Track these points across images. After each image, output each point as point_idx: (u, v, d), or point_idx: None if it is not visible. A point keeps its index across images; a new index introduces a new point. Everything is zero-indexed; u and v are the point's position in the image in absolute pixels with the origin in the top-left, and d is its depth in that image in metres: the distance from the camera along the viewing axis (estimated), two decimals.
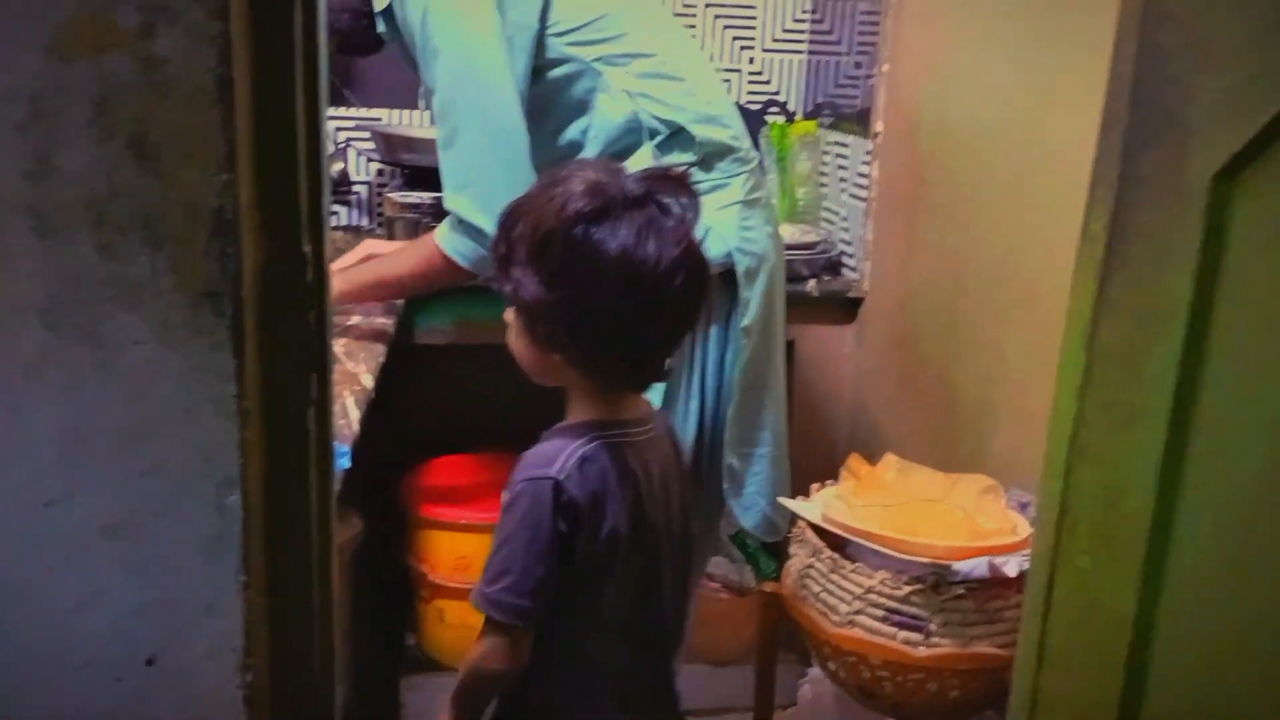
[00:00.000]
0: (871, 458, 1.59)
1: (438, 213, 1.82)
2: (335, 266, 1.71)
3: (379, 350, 1.61)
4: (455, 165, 1.59)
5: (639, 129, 1.61)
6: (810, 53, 2.49)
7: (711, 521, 1.77)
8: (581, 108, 1.63)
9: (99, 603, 0.75)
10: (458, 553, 2.03)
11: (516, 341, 1.19)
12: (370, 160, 2.43)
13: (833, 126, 2.40)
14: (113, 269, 0.70)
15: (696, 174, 1.60)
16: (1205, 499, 0.74)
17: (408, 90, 2.28)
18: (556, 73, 1.61)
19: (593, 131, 1.63)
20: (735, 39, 2.48)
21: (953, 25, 1.88)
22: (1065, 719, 0.86)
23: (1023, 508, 1.43)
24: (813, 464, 1.79)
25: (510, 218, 1.14)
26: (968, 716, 1.39)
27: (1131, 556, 0.78)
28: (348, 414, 1.32)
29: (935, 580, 1.31)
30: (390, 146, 2.22)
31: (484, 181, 1.53)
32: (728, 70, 2.48)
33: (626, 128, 1.61)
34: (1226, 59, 0.69)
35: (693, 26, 2.44)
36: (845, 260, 2.27)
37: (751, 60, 2.49)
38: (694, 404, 1.63)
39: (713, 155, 1.64)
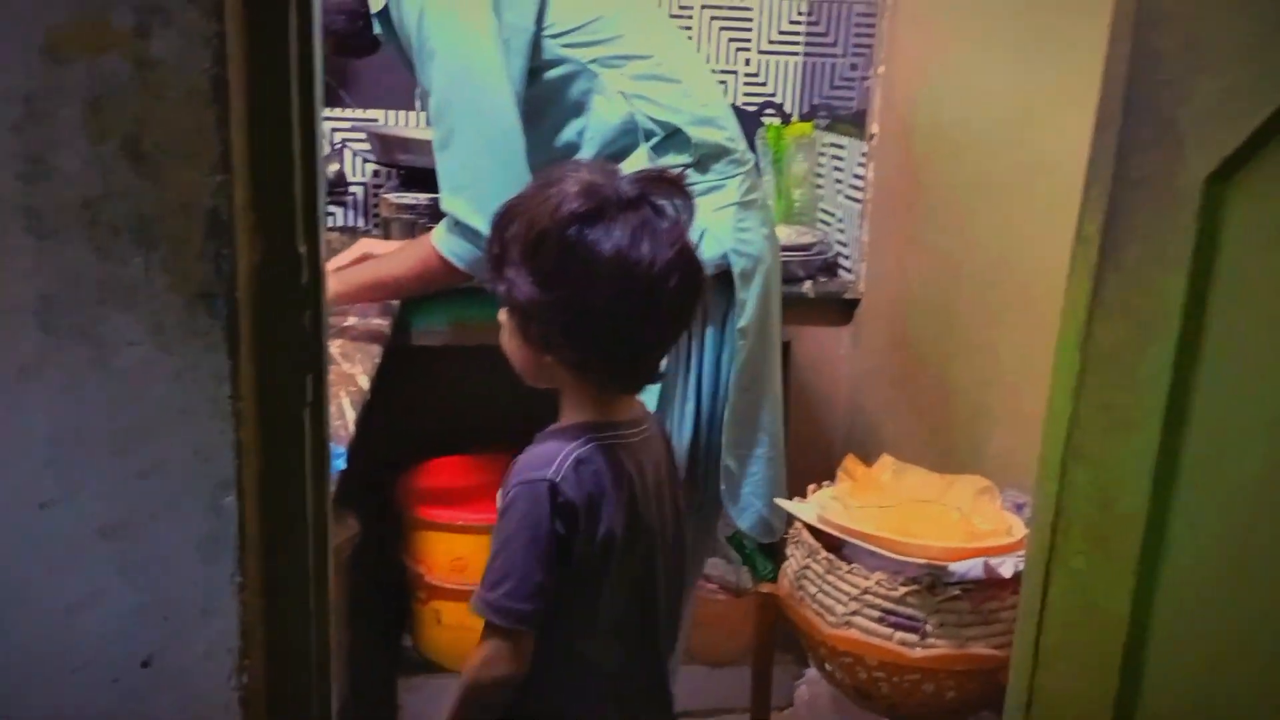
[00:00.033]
0: (867, 459, 1.59)
1: (434, 214, 1.82)
2: (331, 267, 1.71)
3: (375, 351, 1.61)
4: (452, 167, 1.59)
5: (635, 130, 1.61)
6: (806, 55, 2.49)
7: (708, 523, 1.77)
8: (577, 109, 1.63)
9: (95, 604, 0.75)
10: (454, 554, 2.03)
11: (510, 342, 1.19)
12: (366, 161, 2.43)
13: (828, 128, 2.40)
14: (108, 270, 0.70)
15: (692, 175, 1.60)
16: (1199, 500, 0.74)
17: (404, 91, 2.29)
18: (552, 74, 1.61)
19: (589, 133, 1.63)
20: (731, 41, 2.48)
21: (948, 27, 1.88)
22: (1061, 719, 0.86)
23: (1018, 509, 1.43)
24: (809, 465, 1.80)
25: (504, 218, 1.14)
26: (964, 717, 1.39)
27: (1126, 557, 0.78)
28: (344, 415, 1.32)
29: (931, 581, 1.31)
30: (386, 147, 2.22)
31: (480, 183, 1.53)
32: (724, 72, 2.48)
33: (622, 129, 1.61)
34: (1220, 62, 0.69)
35: (689, 28, 2.44)
36: (841, 262, 2.28)
37: (747, 62, 2.50)
38: (690, 405, 1.63)
39: (708, 157, 1.64)
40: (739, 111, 2.01)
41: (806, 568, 1.43)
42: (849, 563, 1.37)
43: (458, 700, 1.17)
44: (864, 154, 2.18)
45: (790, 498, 1.57)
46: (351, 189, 2.45)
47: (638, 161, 1.59)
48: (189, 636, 0.76)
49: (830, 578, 1.38)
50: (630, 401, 1.23)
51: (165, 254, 0.70)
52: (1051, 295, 0.89)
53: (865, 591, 1.34)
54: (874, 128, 2.14)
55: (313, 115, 0.77)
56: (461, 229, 1.58)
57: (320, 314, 0.79)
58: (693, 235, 1.56)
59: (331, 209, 2.44)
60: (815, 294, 2.17)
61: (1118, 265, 0.77)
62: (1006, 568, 1.29)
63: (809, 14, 2.47)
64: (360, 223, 2.47)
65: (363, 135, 2.36)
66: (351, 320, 1.72)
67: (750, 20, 2.47)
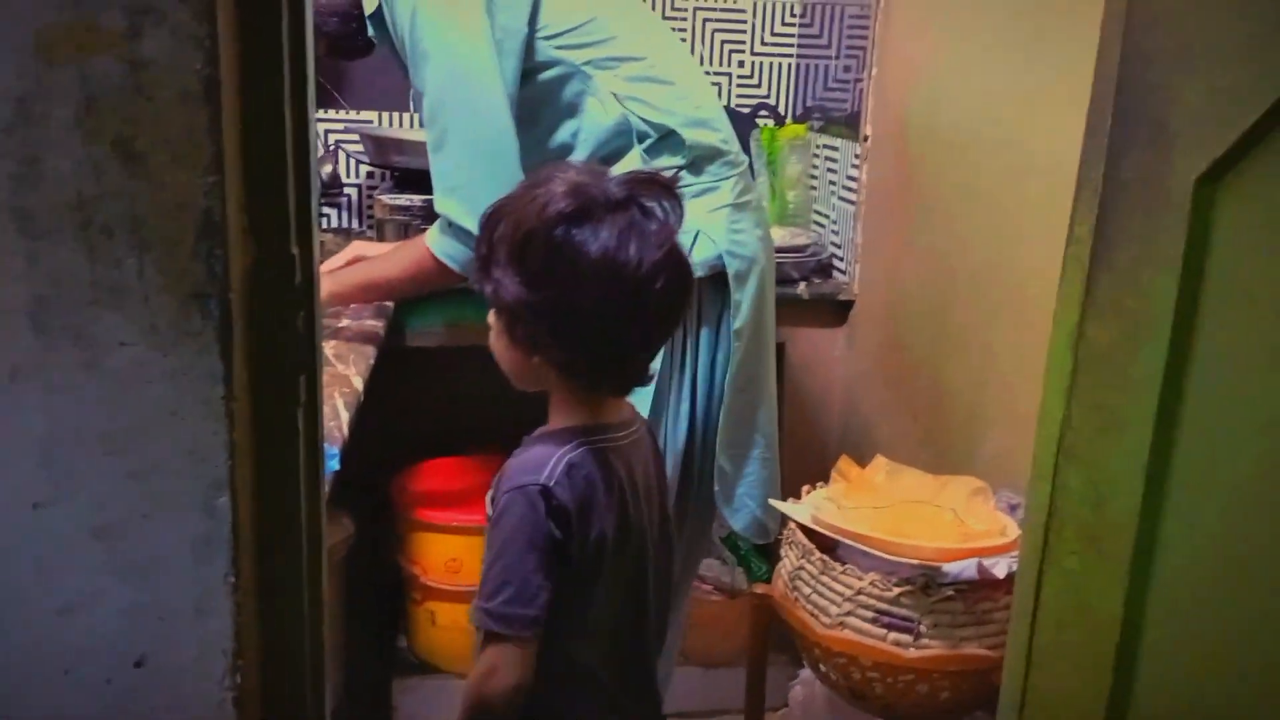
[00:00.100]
0: (861, 460, 1.59)
1: (428, 215, 1.82)
2: (324, 268, 1.71)
3: (369, 352, 1.61)
4: (445, 168, 1.59)
5: (629, 132, 1.61)
6: (799, 57, 2.50)
7: (704, 524, 1.77)
8: (571, 111, 1.63)
9: (88, 604, 0.75)
10: (449, 555, 2.03)
11: (497, 344, 1.18)
12: (360, 163, 2.43)
13: (822, 130, 2.40)
14: (100, 271, 0.70)
15: (686, 177, 1.60)
16: (1191, 500, 0.75)
17: (398, 93, 2.29)
18: (546, 76, 1.61)
19: (582, 134, 1.63)
20: (725, 43, 2.48)
21: (940, 30, 1.89)
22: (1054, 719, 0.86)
23: (1012, 509, 1.43)
24: (803, 466, 1.80)
25: (492, 219, 1.14)
26: (958, 717, 1.39)
27: (1118, 558, 0.78)
28: (338, 416, 1.32)
29: (925, 582, 1.31)
30: (380, 149, 2.22)
31: (474, 184, 1.53)
32: (717, 74, 2.48)
33: (616, 131, 1.61)
34: (1209, 64, 0.70)
35: (682, 30, 2.44)
36: (835, 263, 2.28)
37: (741, 64, 2.50)
38: (685, 407, 1.63)
39: (702, 159, 1.64)
40: (733, 113, 2.01)
41: (801, 568, 1.43)
42: (843, 563, 1.37)
43: (464, 717, 1.14)
44: (857, 156, 2.18)
45: (785, 499, 1.57)
46: (346, 190, 2.45)
47: (631, 163, 1.59)
48: (183, 637, 0.76)
49: (824, 578, 1.38)
50: (619, 404, 1.22)
51: (158, 255, 0.70)
52: (1044, 296, 0.89)
53: (859, 592, 1.34)
54: (867, 130, 2.14)
55: (305, 116, 0.77)
56: (455, 230, 1.58)
57: (314, 315, 0.79)
58: (687, 237, 1.57)
59: (326, 210, 2.44)
60: (809, 295, 2.17)
61: (1109, 266, 0.78)
62: (1000, 568, 1.29)
63: (802, 16, 2.48)
64: (354, 224, 2.47)
65: (357, 137, 2.36)
66: (346, 321, 1.72)
67: (744, 22, 2.48)
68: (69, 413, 0.72)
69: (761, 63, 2.50)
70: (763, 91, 2.52)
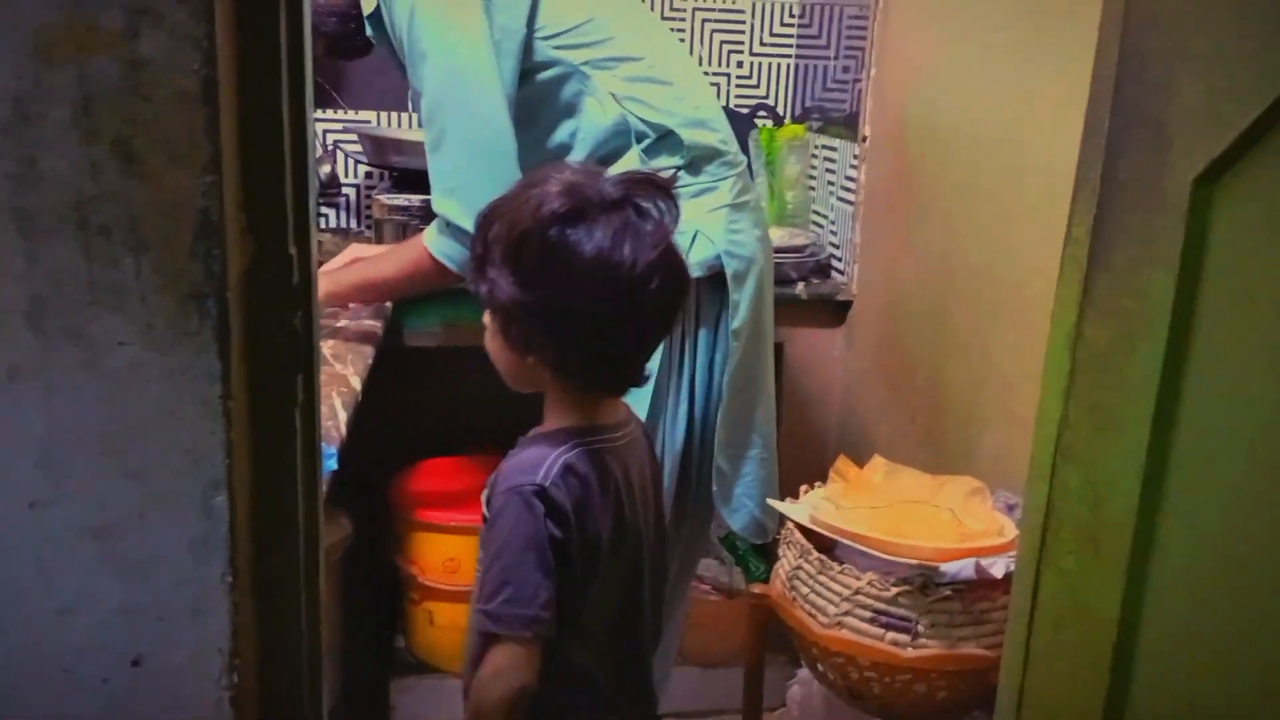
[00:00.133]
0: (860, 460, 1.60)
1: (426, 215, 1.82)
2: (322, 270, 1.71)
3: (367, 352, 1.61)
4: (443, 168, 1.59)
5: (627, 132, 1.61)
6: (798, 57, 2.50)
7: (702, 524, 1.77)
8: (570, 111, 1.63)
9: (86, 604, 0.75)
10: (447, 555, 2.03)
11: (492, 344, 1.18)
12: (359, 163, 2.43)
13: (821, 130, 2.40)
14: (98, 271, 0.70)
15: (684, 177, 1.60)
16: (1189, 500, 0.75)
17: (397, 93, 2.29)
18: (544, 76, 1.61)
19: (581, 135, 1.63)
20: (723, 43, 2.48)
21: (939, 31, 1.89)
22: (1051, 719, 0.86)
23: (1010, 509, 1.43)
24: (801, 466, 1.80)
25: (487, 219, 1.14)
26: (955, 717, 1.40)
27: (1116, 558, 0.78)
28: (336, 416, 1.32)
29: (923, 581, 1.31)
30: (379, 149, 2.22)
31: (472, 185, 1.53)
32: (716, 74, 2.48)
33: (614, 131, 1.61)
34: (1207, 65, 0.70)
35: (681, 31, 2.44)
36: (834, 263, 2.28)
37: (740, 64, 2.50)
38: (684, 407, 1.63)
39: (701, 159, 1.64)
40: (731, 114, 2.01)
41: (799, 568, 1.43)
42: (841, 563, 1.37)
43: None
44: (856, 156, 2.18)
45: (783, 498, 1.57)
46: (344, 190, 2.45)
47: (629, 163, 1.59)
48: (180, 637, 0.76)
49: (822, 578, 1.39)
50: (614, 404, 1.22)
51: (156, 255, 0.70)
52: (1042, 297, 0.89)
53: (857, 592, 1.34)
54: (866, 130, 2.14)
55: (303, 116, 0.77)
56: (453, 230, 1.58)
57: (311, 314, 0.79)
58: (685, 237, 1.57)
59: (324, 210, 2.44)
60: (808, 296, 2.17)
61: (1107, 266, 0.78)
62: (998, 568, 1.29)
63: (801, 17, 2.48)
64: (353, 224, 2.47)
65: (355, 137, 2.36)
66: (344, 321, 1.72)
67: (742, 23, 2.48)
68: (67, 412, 0.72)
69: (760, 63, 2.50)
70: (761, 92, 2.52)
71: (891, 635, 1.33)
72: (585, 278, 1.08)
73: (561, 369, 1.14)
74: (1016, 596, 0.88)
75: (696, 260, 1.59)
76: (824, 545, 1.42)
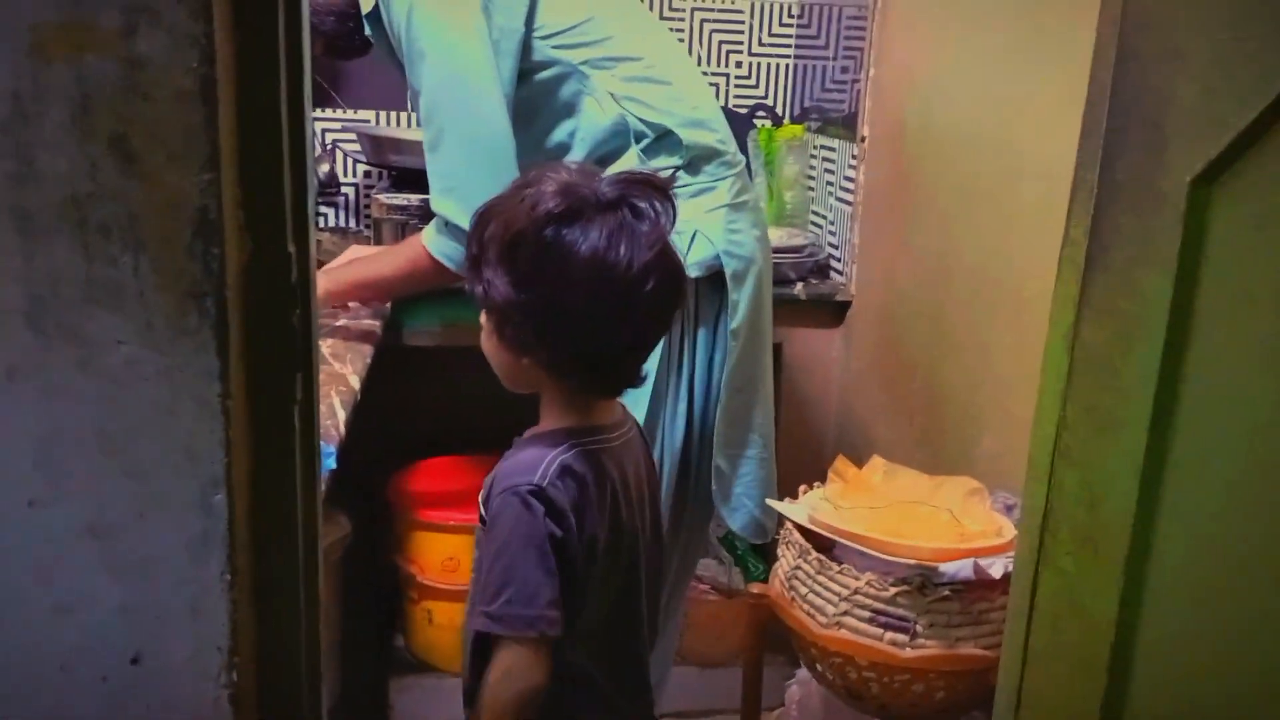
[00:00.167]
0: (858, 460, 1.60)
1: (425, 214, 1.82)
2: (322, 269, 1.71)
3: (366, 351, 1.61)
4: (441, 168, 1.59)
5: (626, 132, 1.61)
6: (797, 57, 2.50)
7: (701, 524, 1.77)
8: (568, 110, 1.63)
9: (84, 603, 0.75)
10: (446, 554, 2.03)
11: (488, 344, 1.18)
12: (358, 162, 2.43)
13: (820, 131, 2.40)
14: (96, 270, 0.70)
15: (683, 177, 1.60)
16: (1186, 500, 0.75)
17: (396, 92, 2.29)
18: (543, 75, 1.61)
19: (580, 134, 1.63)
20: (722, 43, 2.48)
21: (937, 31, 1.89)
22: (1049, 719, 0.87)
23: (1008, 510, 1.43)
24: (800, 466, 1.80)
25: (482, 218, 1.13)
26: (954, 717, 1.40)
27: (1113, 558, 0.78)
28: (335, 415, 1.32)
29: (921, 582, 1.31)
30: (377, 148, 2.22)
31: (470, 184, 1.53)
32: (715, 74, 2.48)
33: (613, 131, 1.61)
34: (1203, 66, 0.70)
35: (680, 30, 2.45)
36: (832, 264, 2.28)
37: (739, 64, 2.50)
38: (683, 406, 1.63)
39: (699, 159, 1.64)
40: (730, 114, 2.02)
41: (798, 568, 1.43)
42: (840, 563, 1.37)
43: None
44: (855, 156, 2.18)
45: (781, 498, 1.57)
46: (343, 190, 2.45)
47: (628, 163, 1.59)
48: (179, 635, 0.76)
49: (821, 578, 1.39)
50: (610, 405, 1.22)
51: (154, 253, 0.70)
52: (1040, 297, 0.89)
53: (856, 592, 1.34)
54: (865, 130, 2.14)
55: (302, 114, 0.77)
56: (451, 229, 1.58)
57: (310, 313, 0.79)
58: (684, 237, 1.57)
59: (323, 209, 2.44)
60: (806, 296, 2.17)
61: (1105, 267, 0.78)
62: (996, 569, 1.29)
63: (800, 17, 2.48)
64: (351, 223, 2.47)
65: (354, 136, 2.36)
66: (343, 320, 1.72)
67: (741, 23, 2.48)
68: (65, 411, 0.72)
69: (759, 63, 2.50)
70: (760, 92, 2.52)
71: (890, 635, 1.33)
72: (580, 278, 1.07)
73: (557, 370, 1.14)
74: (1015, 597, 0.89)
75: (695, 260, 1.59)
76: (823, 545, 1.42)
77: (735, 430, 1.67)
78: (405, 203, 2.02)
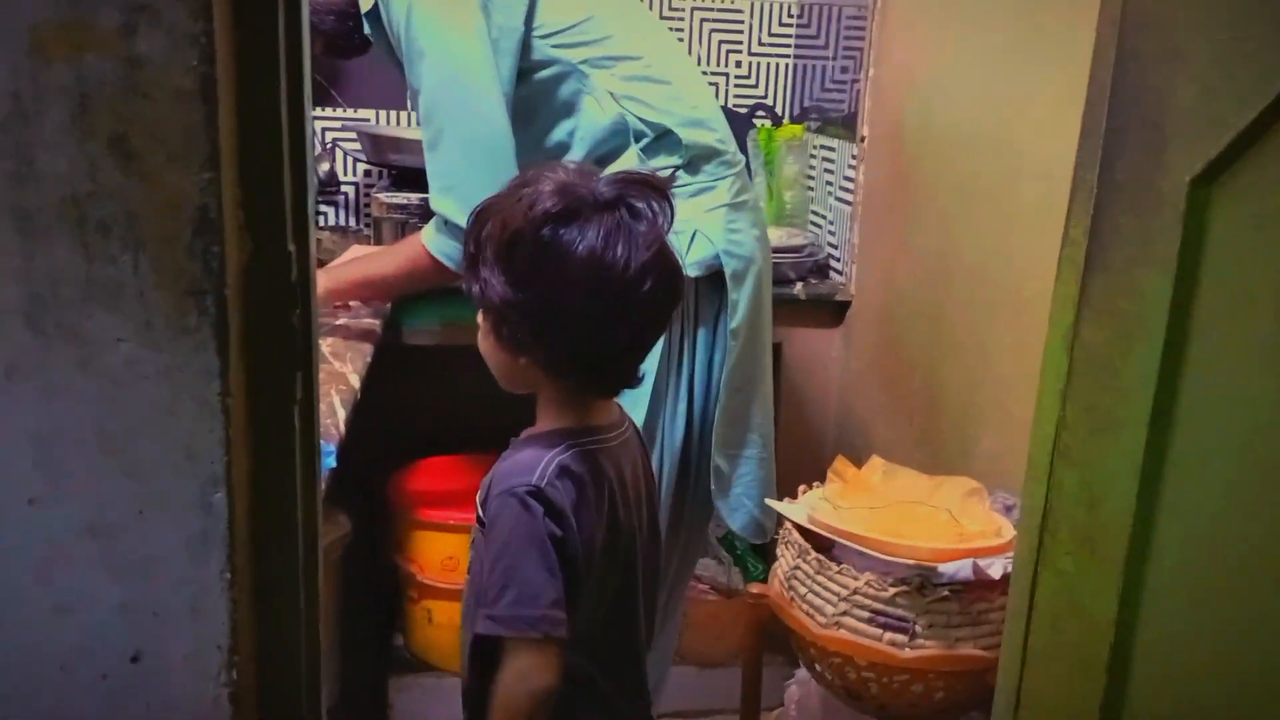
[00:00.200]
0: (858, 460, 1.60)
1: (425, 213, 1.82)
2: (322, 268, 1.71)
3: (366, 350, 1.61)
4: (441, 167, 1.59)
5: (625, 131, 1.61)
6: (796, 57, 2.50)
7: (700, 523, 1.77)
8: (568, 110, 1.63)
9: (84, 602, 0.75)
10: (446, 553, 2.03)
11: (485, 343, 1.17)
12: (358, 161, 2.43)
13: (819, 130, 2.40)
14: (96, 268, 0.70)
15: (683, 177, 1.60)
16: (1185, 501, 0.75)
17: (396, 91, 2.29)
18: (542, 75, 1.61)
19: (579, 134, 1.63)
20: (722, 43, 2.48)
21: (937, 31, 1.89)
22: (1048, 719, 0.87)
23: (1008, 510, 1.43)
24: (799, 466, 1.80)
25: (480, 217, 1.13)
26: (953, 717, 1.40)
27: (1113, 559, 0.78)
28: (335, 414, 1.32)
29: (920, 582, 1.31)
30: (377, 147, 2.23)
31: (469, 183, 1.53)
32: (714, 74, 2.48)
33: (613, 130, 1.61)
34: (1203, 66, 0.70)
35: (679, 30, 2.45)
36: (832, 264, 2.28)
37: (738, 64, 2.50)
38: (683, 406, 1.63)
39: (699, 158, 1.64)
40: (730, 113, 2.01)
41: (797, 568, 1.43)
42: (839, 563, 1.37)
43: None
44: (854, 156, 2.18)
45: (781, 498, 1.57)
46: (343, 188, 2.45)
47: (628, 162, 1.59)
48: (179, 634, 0.76)
49: (820, 578, 1.39)
50: (608, 405, 1.21)
51: (154, 252, 0.70)
52: (1040, 298, 0.89)
53: (855, 592, 1.34)
54: (864, 130, 2.14)
55: (302, 113, 0.77)
56: (451, 228, 1.58)
57: (310, 312, 0.79)
58: (684, 236, 1.57)
59: (323, 208, 2.44)
60: (806, 296, 2.17)
61: (1104, 267, 0.78)
62: (995, 569, 1.29)
63: (799, 16, 2.48)
64: (351, 222, 2.47)
65: (354, 135, 2.36)
66: (343, 319, 1.72)
67: (741, 22, 2.48)
68: (65, 411, 0.72)
69: (759, 63, 2.50)
70: (760, 92, 2.52)
71: (889, 635, 1.33)
72: (577, 278, 1.07)
73: (554, 370, 1.14)
74: (1014, 597, 0.89)
75: (695, 260, 1.59)
76: (822, 545, 1.42)
77: (734, 430, 1.67)
78: (405, 201, 2.02)
